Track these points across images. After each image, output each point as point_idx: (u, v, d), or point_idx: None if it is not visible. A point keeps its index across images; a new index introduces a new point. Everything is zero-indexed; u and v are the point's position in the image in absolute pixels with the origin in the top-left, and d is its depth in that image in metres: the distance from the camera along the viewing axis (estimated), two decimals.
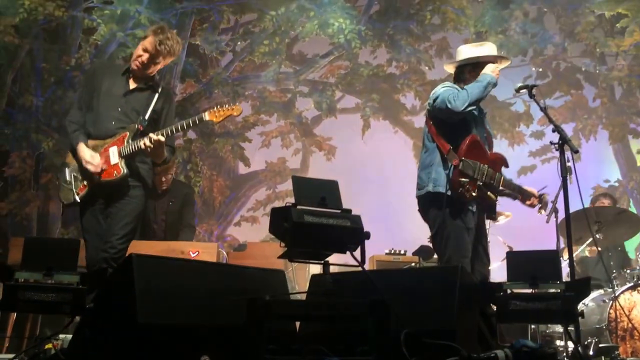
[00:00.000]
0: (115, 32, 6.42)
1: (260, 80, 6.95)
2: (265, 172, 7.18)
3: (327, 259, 2.10)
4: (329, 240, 2.03)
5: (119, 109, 3.01)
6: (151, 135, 2.88)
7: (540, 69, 6.88)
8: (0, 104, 6.08)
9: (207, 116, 3.01)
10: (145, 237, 4.49)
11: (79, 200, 2.94)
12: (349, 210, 2.10)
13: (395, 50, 6.91)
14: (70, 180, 2.98)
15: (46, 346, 2.15)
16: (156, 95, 3.05)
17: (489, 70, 3.08)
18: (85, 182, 2.96)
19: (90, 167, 2.90)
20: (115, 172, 2.91)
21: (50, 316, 3.64)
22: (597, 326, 3.68)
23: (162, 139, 2.88)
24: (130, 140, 2.94)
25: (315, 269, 4.03)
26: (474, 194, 2.95)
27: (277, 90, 7.05)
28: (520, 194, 3.23)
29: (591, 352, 3.07)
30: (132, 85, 3.06)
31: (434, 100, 3.05)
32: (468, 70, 3.14)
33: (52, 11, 6.17)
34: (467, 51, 3.18)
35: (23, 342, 3.71)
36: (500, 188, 3.10)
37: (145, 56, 2.98)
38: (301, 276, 4.88)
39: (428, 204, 3.06)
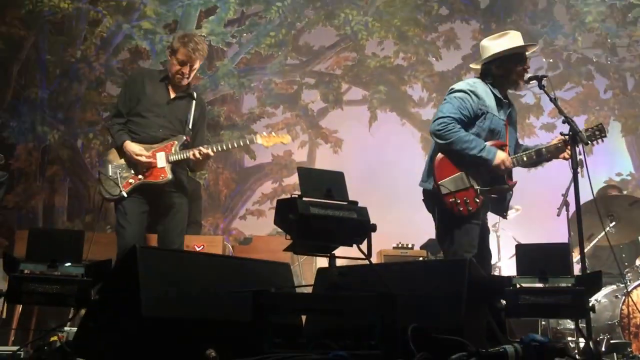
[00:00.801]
0: (121, 23, 6.40)
1: (266, 72, 6.91)
2: (271, 165, 7.15)
3: (333, 252, 2.07)
4: (335, 232, 2.00)
5: (164, 117, 3.22)
6: (202, 148, 3.12)
7: (551, 60, 6.78)
8: (5, 96, 6.09)
9: (258, 139, 3.29)
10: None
11: (125, 195, 3.09)
12: (356, 202, 2.07)
13: (403, 42, 6.83)
14: (116, 175, 3.13)
15: (51, 338, 2.14)
16: (194, 103, 3.27)
17: (500, 158, 2.87)
18: (130, 181, 3.12)
19: (141, 159, 3.09)
20: (161, 175, 3.12)
21: (56, 308, 3.65)
22: (609, 322, 3.63)
23: (212, 153, 3.15)
24: (177, 149, 3.14)
25: (322, 263, 4.00)
26: (477, 200, 2.89)
27: (283, 82, 7.00)
28: (547, 155, 3.02)
29: (603, 349, 3.02)
30: (172, 93, 3.26)
31: (443, 100, 3.00)
32: (495, 66, 3.03)
33: (58, 3, 6.16)
34: (491, 46, 3.03)
35: (29, 334, 3.72)
36: (514, 168, 2.99)
37: (186, 69, 3.18)
38: (308, 270, 4.86)
39: (433, 197, 3.03)
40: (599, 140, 3.01)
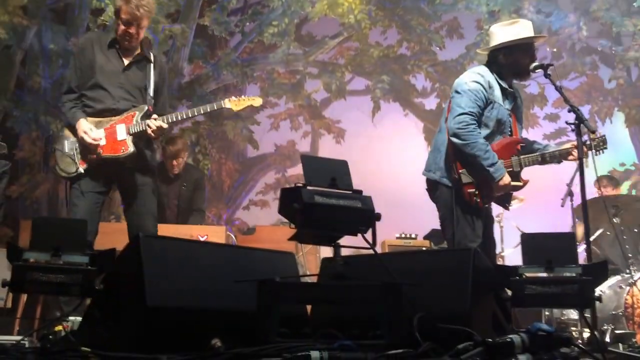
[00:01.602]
0: None
1: (269, 62, 6.87)
2: (274, 156, 7.14)
3: (337, 242, 2.06)
4: (339, 221, 1.99)
5: (120, 87, 2.97)
6: (152, 122, 2.87)
7: (555, 49, 6.73)
8: (9, 86, 6.06)
9: (227, 104, 3.04)
10: (158, 221, 4.52)
11: (82, 171, 2.88)
12: (360, 191, 2.05)
13: (406, 31, 6.78)
14: (72, 152, 2.92)
15: (56, 328, 2.14)
16: (151, 67, 3.02)
17: (504, 182, 2.84)
18: (88, 156, 2.91)
19: (86, 138, 2.85)
20: (122, 148, 2.88)
21: (60, 298, 3.65)
22: (613, 312, 3.63)
23: (165, 126, 2.90)
24: (139, 120, 2.91)
25: (326, 253, 4.00)
26: (492, 194, 2.89)
27: (286, 72, 6.97)
28: (559, 158, 3.00)
29: (607, 339, 3.01)
30: (126, 60, 3.02)
31: (456, 92, 2.96)
32: (503, 54, 2.98)
33: None
34: (500, 33, 2.98)
35: (33, 323, 3.73)
36: (526, 167, 2.99)
37: (133, 29, 2.93)
38: (311, 261, 4.86)
39: (436, 187, 3.02)
40: (602, 151, 3.01)
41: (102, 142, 2.89)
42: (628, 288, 3.65)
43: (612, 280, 3.82)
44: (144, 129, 2.90)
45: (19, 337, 2.23)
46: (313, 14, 6.72)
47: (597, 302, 2.19)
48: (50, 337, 1.94)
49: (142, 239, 1.86)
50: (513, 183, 2.93)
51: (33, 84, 6.20)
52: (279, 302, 1.85)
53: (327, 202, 1.93)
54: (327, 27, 6.93)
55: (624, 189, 5.98)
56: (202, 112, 3.02)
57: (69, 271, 1.87)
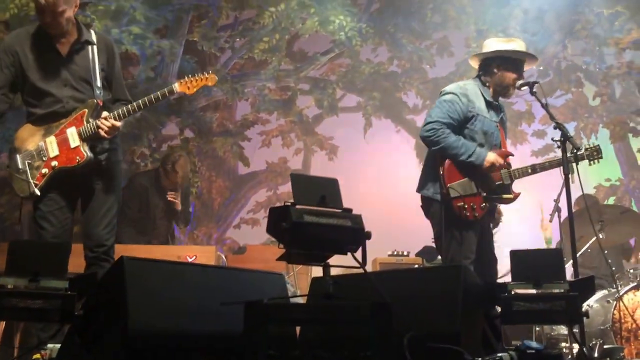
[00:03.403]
0: (110, 28, 6.33)
1: (260, 78, 6.87)
2: (265, 173, 7.09)
3: (327, 261, 2.03)
4: (329, 240, 1.96)
5: (65, 85, 2.65)
6: (104, 121, 2.55)
7: (542, 68, 6.83)
8: None
9: (177, 87, 2.71)
10: (148, 235, 4.48)
11: (38, 193, 2.57)
12: (350, 210, 2.03)
13: (397, 48, 6.85)
14: (24, 168, 2.61)
15: (34, 356, 2.05)
16: (95, 49, 2.67)
17: (489, 161, 2.88)
18: (43, 170, 2.60)
19: None
20: (77, 157, 2.58)
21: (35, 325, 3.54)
22: (602, 327, 3.62)
23: (118, 124, 2.58)
24: (90, 119, 2.59)
25: (317, 272, 3.96)
26: (482, 205, 2.90)
27: (277, 88, 6.98)
28: (548, 169, 3.06)
29: (596, 354, 3.00)
30: (64, 49, 2.65)
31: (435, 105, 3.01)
32: (496, 64, 3.04)
33: None
34: (496, 45, 3.06)
35: (13, 352, 3.61)
36: (516, 179, 3.01)
37: (48, 17, 2.56)
38: (303, 280, 4.81)
39: (430, 203, 3.02)
40: (596, 161, 3.04)
41: (55, 153, 2.61)
42: (615, 303, 3.65)
43: (599, 294, 3.81)
44: (95, 130, 2.58)
45: None
46: (304, 31, 6.77)
47: (585, 318, 2.18)
48: None
49: (126, 262, 1.82)
50: (505, 196, 2.95)
51: (15, 101, 6.09)
52: (266, 324, 1.81)
53: (316, 221, 1.90)
54: (318, 44, 6.97)
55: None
56: (153, 100, 2.65)
57: (48, 297, 1.79)
